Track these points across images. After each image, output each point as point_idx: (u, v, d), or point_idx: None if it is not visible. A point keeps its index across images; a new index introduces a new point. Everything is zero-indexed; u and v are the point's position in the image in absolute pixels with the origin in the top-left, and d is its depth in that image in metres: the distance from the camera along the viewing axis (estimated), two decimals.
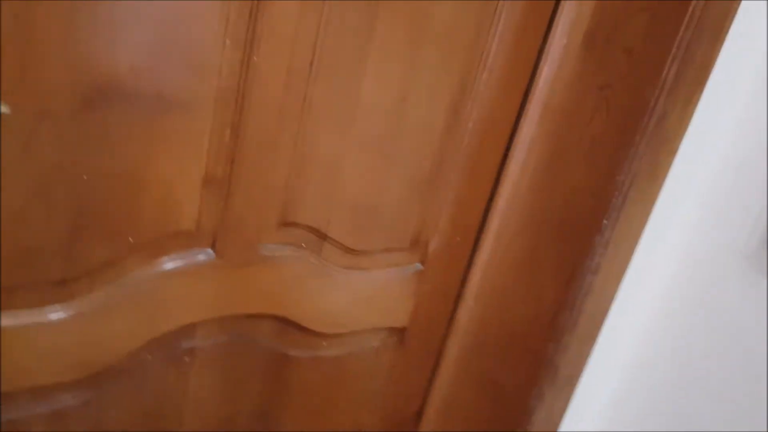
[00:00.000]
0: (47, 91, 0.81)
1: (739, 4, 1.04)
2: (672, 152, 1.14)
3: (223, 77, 0.93)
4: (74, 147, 0.87)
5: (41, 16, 0.77)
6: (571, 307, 1.24)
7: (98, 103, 0.86)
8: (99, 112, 0.86)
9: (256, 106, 0.97)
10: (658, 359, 1.31)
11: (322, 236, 1.15)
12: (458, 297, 1.35)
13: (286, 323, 1.20)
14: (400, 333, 1.35)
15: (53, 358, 0.98)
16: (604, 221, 1.17)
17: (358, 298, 1.25)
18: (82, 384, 1.04)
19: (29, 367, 0.97)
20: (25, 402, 1.00)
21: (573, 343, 1.27)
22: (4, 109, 0.75)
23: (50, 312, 0.95)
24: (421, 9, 1.02)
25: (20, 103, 0.80)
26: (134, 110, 0.89)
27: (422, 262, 1.29)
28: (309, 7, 0.93)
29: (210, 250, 1.05)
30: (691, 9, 1.04)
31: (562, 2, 1.12)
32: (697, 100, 1.11)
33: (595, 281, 1.21)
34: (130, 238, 0.97)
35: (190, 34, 0.88)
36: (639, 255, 1.23)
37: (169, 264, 1.03)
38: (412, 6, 1.01)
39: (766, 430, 1.16)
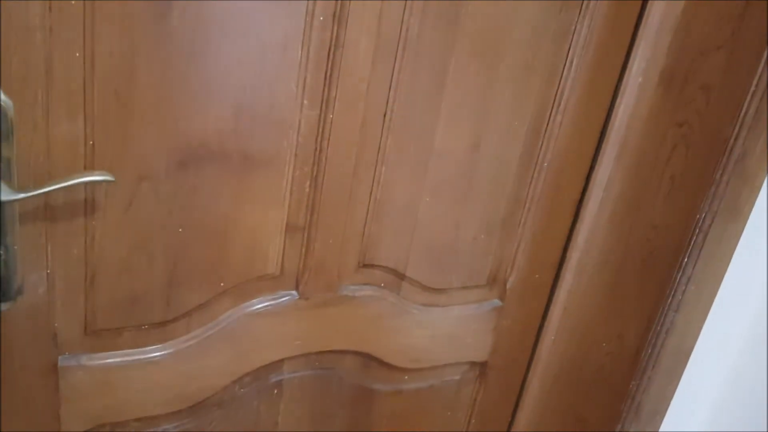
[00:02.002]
0: (145, 157, 0.91)
1: None
2: (755, 189, 1.12)
3: (301, 134, 1.00)
4: (170, 204, 0.96)
5: (138, 92, 0.87)
6: (653, 344, 1.23)
7: (190, 165, 0.95)
8: (191, 172, 0.95)
9: (333, 159, 1.03)
10: (745, 395, 1.27)
11: (401, 276, 1.20)
12: (539, 332, 1.37)
13: (369, 358, 1.25)
14: (481, 367, 1.37)
15: (156, 392, 1.08)
16: (685, 259, 1.16)
17: (437, 334, 1.29)
18: (183, 415, 1.13)
19: (136, 400, 1.07)
20: (134, 430, 1.11)
21: (656, 380, 1.26)
22: (110, 178, 0.85)
23: (152, 351, 1.05)
24: (492, 57, 1.06)
25: (122, 169, 0.90)
26: (222, 168, 0.97)
27: (501, 299, 1.31)
28: (381, 65, 0.99)
29: (294, 292, 1.12)
30: None
31: (637, 41, 1.13)
32: None
33: (678, 319, 1.20)
34: (221, 283, 1.06)
35: (271, 97, 0.95)
36: (725, 292, 1.20)
37: (257, 305, 1.11)
38: (482, 54, 1.05)
39: None
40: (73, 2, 0.79)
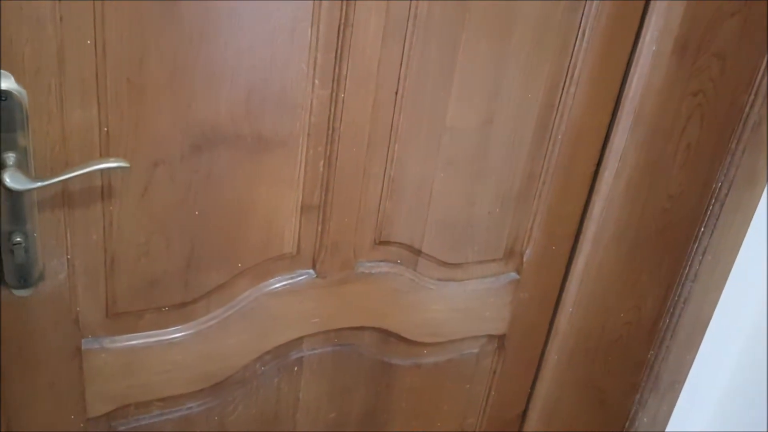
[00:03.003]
0: (159, 142, 0.92)
1: None
2: None
3: (314, 114, 1.00)
4: (186, 187, 0.97)
5: (150, 77, 0.87)
6: (671, 314, 1.24)
7: (204, 148, 0.95)
8: (205, 155, 0.96)
9: (346, 138, 1.03)
10: (765, 362, 1.27)
11: (417, 252, 1.21)
12: (557, 304, 1.37)
13: (387, 334, 1.27)
14: (499, 340, 1.38)
15: (179, 372, 1.10)
16: (701, 229, 1.16)
17: (455, 308, 1.29)
18: (205, 393, 1.15)
19: (159, 381, 1.09)
20: (158, 410, 1.13)
21: (674, 350, 1.26)
22: (125, 164, 0.86)
23: (174, 332, 1.07)
24: (503, 31, 1.05)
25: (137, 154, 0.91)
26: (236, 150, 0.98)
27: (518, 272, 1.32)
28: (391, 43, 0.99)
29: (311, 271, 1.13)
30: None
31: (650, 10, 1.11)
32: None
33: (695, 288, 1.20)
34: (239, 264, 1.07)
35: (282, 78, 0.96)
36: (742, 261, 1.19)
37: (275, 285, 1.12)
38: (493, 29, 1.04)
39: None
40: None
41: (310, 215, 1.08)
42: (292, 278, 1.13)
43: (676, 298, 1.22)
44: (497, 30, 1.05)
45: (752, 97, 1.06)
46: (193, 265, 1.03)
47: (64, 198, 0.90)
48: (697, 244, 1.17)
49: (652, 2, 1.10)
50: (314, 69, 0.97)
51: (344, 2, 0.93)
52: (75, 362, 1.02)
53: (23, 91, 0.81)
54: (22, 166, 0.84)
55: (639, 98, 1.17)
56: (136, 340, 1.05)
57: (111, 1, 0.82)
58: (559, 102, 1.16)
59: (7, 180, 0.81)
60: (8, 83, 0.80)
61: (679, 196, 1.18)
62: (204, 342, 1.10)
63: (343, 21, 0.94)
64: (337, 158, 1.05)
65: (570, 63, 1.13)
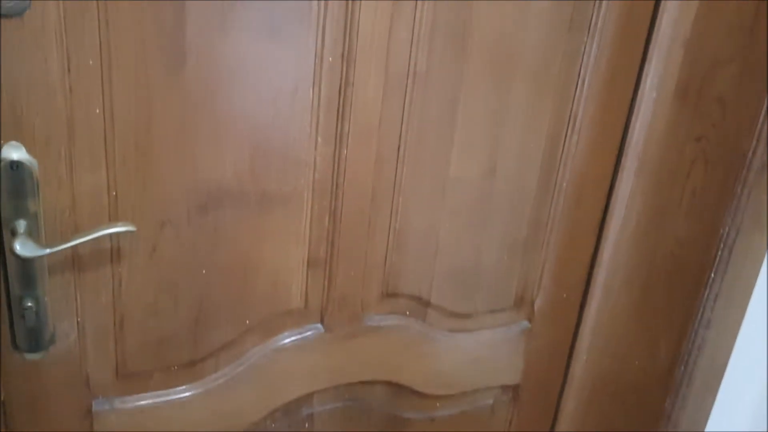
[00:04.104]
0: (166, 204, 0.94)
1: None
2: None
3: (317, 171, 1.02)
4: (192, 246, 0.98)
5: (156, 141, 0.90)
6: (685, 361, 1.22)
7: (210, 207, 0.97)
8: (211, 214, 0.98)
9: (350, 193, 1.05)
10: None
11: (425, 303, 1.21)
12: (571, 352, 1.36)
13: (399, 387, 1.26)
14: (513, 390, 1.37)
15: (189, 431, 1.10)
16: (712, 275, 1.15)
17: (466, 359, 1.29)
18: None
19: None
20: None
21: (691, 398, 1.24)
22: (132, 228, 0.88)
23: (183, 391, 1.07)
24: (502, 83, 1.07)
25: (145, 216, 0.93)
26: (242, 209, 0.99)
27: (529, 320, 1.31)
28: (391, 100, 1.01)
29: (319, 325, 1.14)
30: None
31: (649, 57, 1.13)
32: None
33: (708, 335, 1.18)
34: (247, 321, 1.08)
35: (285, 137, 0.98)
36: (755, 305, 1.18)
37: (284, 340, 1.12)
38: (492, 82, 1.06)
39: None
40: (90, 62, 0.83)
41: (316, 270, 1.09)
42: (300, 333, 1.13)
43: (690, 345, 1.20)
44: (496, 82, 1.06)
45: (755, 140, 1.06)
46: (201, 323, 1.04)
47: (74, 262, 0.92)
48: (708, 290, 1.16)
49: (650, 49, 1.12)
50: (317, 127, 0.99)
51: (344, 62, 0.95)
52: (86, 423, 1.02)
53: (34, 161, 0.83)
54: (33, 232, 0.86)
55: (642, 145, 1.18)
56: (146, 400, 1.05)
57: (118, 70, 0.84)
58: (562, 151, 1.17)
59: (18, 248, 0.83)
60: (19, 153, 0.82)
61: (687, 241, 1.18)
62: (213, 400, 1.10)
63: (343, 80, 0.96)
64: (341, 213, 1.06)
65: (571, 112, 1.14)
